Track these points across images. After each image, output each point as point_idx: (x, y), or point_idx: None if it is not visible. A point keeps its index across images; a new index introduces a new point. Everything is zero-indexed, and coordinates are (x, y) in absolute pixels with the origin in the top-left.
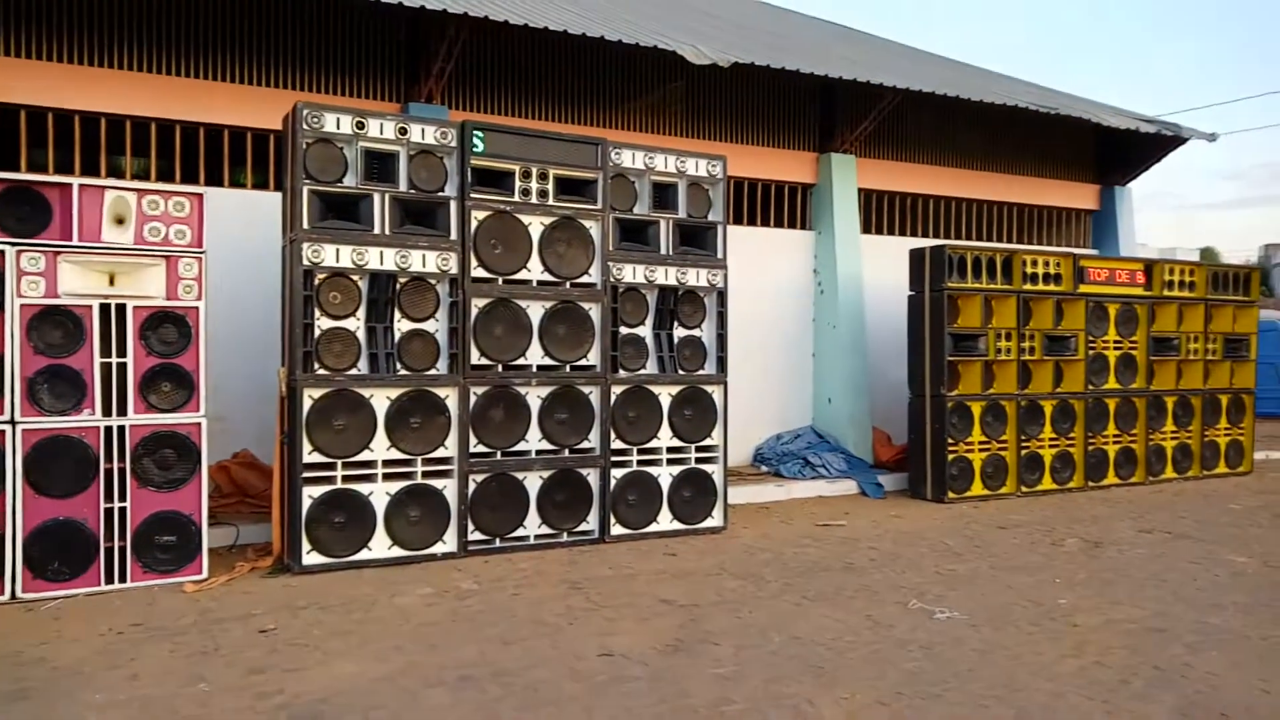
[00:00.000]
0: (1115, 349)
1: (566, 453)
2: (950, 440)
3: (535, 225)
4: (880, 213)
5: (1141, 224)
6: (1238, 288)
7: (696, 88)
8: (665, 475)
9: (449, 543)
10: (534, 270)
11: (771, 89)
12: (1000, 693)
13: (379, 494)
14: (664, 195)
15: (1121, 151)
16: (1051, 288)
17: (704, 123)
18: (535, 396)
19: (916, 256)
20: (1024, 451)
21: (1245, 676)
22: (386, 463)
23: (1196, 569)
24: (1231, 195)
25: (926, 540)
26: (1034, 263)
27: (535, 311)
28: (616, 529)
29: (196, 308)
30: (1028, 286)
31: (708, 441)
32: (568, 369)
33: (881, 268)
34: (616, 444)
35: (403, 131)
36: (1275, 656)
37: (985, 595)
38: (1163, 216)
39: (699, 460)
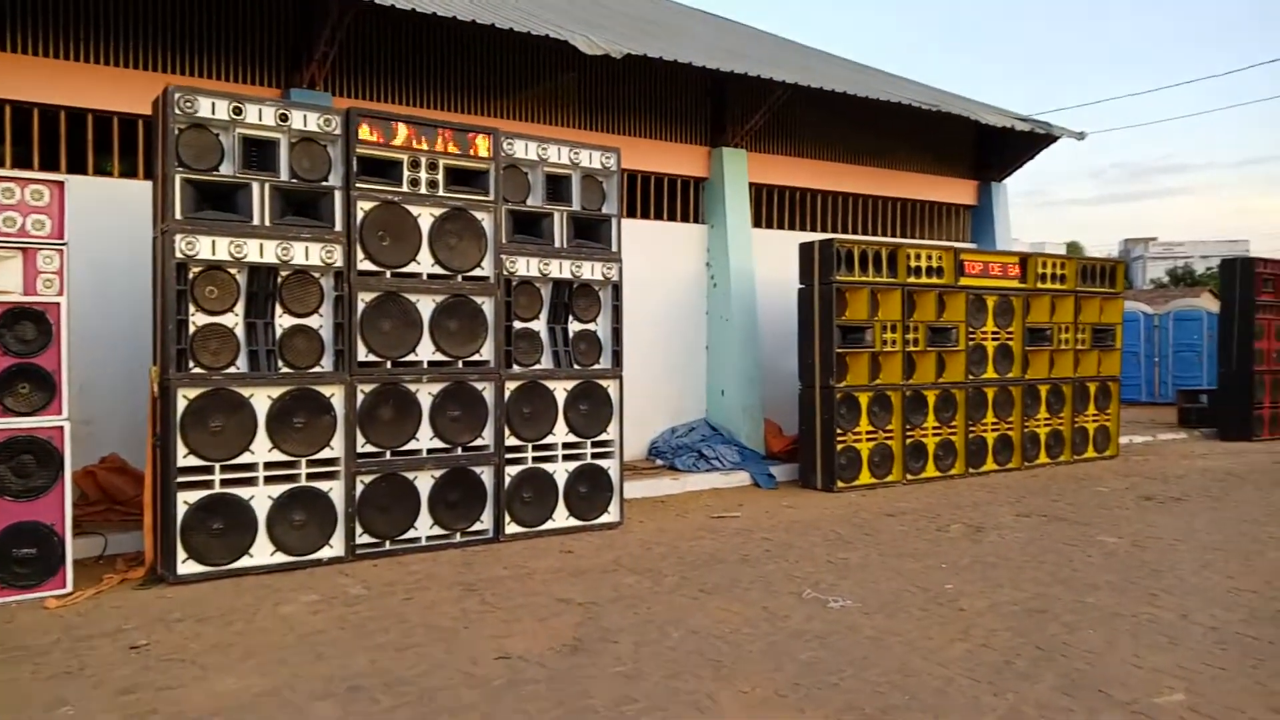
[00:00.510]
0: (993, 340)
1: (459, 451)
2: (839, 430)
3: (425, 216)
4: (771, 207)
5: (1013, 219)
6: (1104, 280)
7: (590, 80)
8: (561, 471)
9: (336, 547)
10: (424, 263)
11: (664, 82)
12: (894, 679)
13: (260, 497)
14: (558, 187)
15: (998, 149)
16: (934, 280)
17: (597, 115)
18: (426, 393)
19: (806, 250)
20: (909, 440)
21: (1120, 652)
22: (268, 465)
23: (1072, 551)
24: (1093, 192)
25: (818, 530)
26: (917, 256)
27: (425, 306)
28: (512, 527)
29: (58, 304)
30: (912, 279)
31: (603, 436)
32: (460, 365)
33: (773, 261)
34: (511, 440)
35: (283, 118)
36: (1147, 633)
37: (876, 583)
38: (1032, 212)
39: (595, 455)
